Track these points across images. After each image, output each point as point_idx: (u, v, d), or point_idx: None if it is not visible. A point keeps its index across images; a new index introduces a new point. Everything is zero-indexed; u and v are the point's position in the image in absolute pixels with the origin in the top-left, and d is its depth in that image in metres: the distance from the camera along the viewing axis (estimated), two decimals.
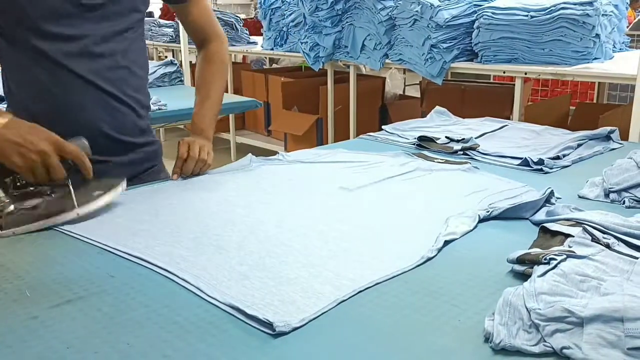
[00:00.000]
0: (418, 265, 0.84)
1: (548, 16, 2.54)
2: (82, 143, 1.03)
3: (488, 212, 1.03)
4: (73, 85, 1.17)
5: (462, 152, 1.46)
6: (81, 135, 1.05)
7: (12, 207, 0.97)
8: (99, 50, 1.19)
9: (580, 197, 1.14)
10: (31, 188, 1.00)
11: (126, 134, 1.25)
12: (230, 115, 4.43)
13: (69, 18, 1.14)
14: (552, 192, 1.06)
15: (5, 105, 1.26)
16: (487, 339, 0.64)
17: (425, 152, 1.46)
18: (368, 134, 1.70)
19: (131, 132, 1.27)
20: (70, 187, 1.00)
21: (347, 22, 3.31)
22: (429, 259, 0.86)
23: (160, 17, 5.74)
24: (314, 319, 0.69)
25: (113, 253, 0.89)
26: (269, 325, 0.67)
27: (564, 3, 2.51)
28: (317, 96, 3.96)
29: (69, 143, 1.01)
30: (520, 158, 1.37)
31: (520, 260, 0.79)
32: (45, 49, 1.14)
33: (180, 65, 3.51)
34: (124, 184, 1.09)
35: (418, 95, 4.39)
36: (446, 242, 0.91)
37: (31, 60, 1.15)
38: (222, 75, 1.45)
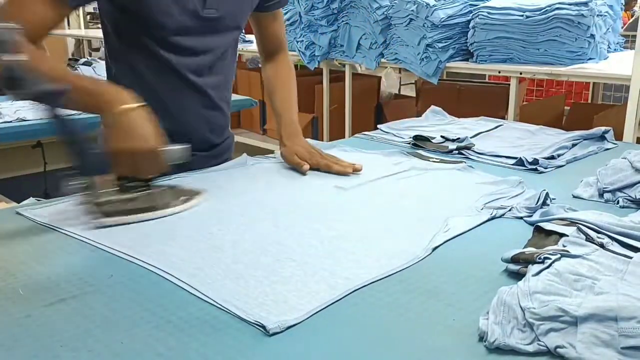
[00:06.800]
0: (412, 265, 0.84)
1: (543, 16, 2.54)
2: (183, 150, 1.04)
3: (482, 210, 1.03)
4: (182, 91, 1.27)
5: (457, 152, 1.46)
6: (180, 141, 1.05)
7: (103, 199, 0.98)
8: (211, 63, 1.29)
9: (574, 196, 1.15)
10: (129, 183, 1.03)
11: (215, 134, 1.39)
12: None
13: (192, 33, 1.22)
14: (547, 196, 1.06)
15: None
16: (482, 337, 0.64)
17: (421, 152, 1.46)
18: (363, 133, 1.70)
19: (218, 131, 1.40)
20: (162, 188, 1.04)
21: (342, 21, 3.31)
22: (424, 258, 0.86)
23: None
24: (308, 318, 0.69)
25: (107, 252, 0.88)
26: (262, 327, 0.67)
27: (559, 3, 2.52)
28: (313, 95, 3.95)
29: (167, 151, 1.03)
30: (515, 158, 1.37)
31: (514, 260, 0.79)
32: (168, 59, 1.22)
33: None
34: (205, 194, 1.11)
35: (413, 94, 4.38)
36: (441, 242, 0.91)
37: (148, 66, 1.23)
38: (295, 81, 1.57)
